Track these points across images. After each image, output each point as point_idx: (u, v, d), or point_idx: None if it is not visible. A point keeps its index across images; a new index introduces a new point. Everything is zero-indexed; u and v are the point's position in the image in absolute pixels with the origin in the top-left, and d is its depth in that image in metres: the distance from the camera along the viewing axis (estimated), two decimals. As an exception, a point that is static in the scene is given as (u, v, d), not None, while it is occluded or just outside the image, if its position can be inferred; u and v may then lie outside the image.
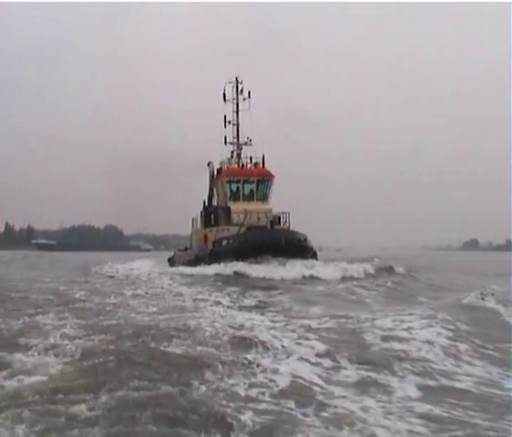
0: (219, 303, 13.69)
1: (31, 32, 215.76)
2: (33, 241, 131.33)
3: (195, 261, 27.97)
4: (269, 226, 29.53)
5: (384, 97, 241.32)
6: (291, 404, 5.56)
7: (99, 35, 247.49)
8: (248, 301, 14.46)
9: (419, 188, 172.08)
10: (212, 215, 32.99)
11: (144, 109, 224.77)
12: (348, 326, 9.92)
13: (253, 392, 5.86)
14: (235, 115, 35.84)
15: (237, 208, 30.88)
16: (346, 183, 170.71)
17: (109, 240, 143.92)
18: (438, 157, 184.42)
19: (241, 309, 12.80)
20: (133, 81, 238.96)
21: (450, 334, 8.92)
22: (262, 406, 5.47)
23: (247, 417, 5.10)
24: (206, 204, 35.00)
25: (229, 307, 13.08)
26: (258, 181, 32.15)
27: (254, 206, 31.31)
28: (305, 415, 5.30)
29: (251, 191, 32.17)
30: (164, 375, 6.21)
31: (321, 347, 7.95)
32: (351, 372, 6.84)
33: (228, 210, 30.77)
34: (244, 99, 35.71)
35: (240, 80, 35.99)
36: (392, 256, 50.78)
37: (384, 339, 8.58)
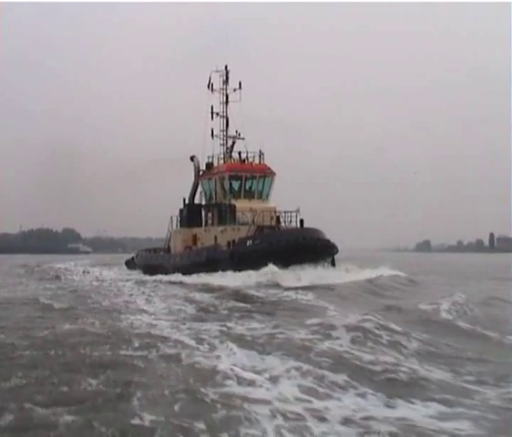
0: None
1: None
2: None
3: (206, 265, 24.99)
4: (277, 225, 28.27)
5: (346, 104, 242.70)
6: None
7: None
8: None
9: (378, 191, 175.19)
10: (210, 213, 30.25)
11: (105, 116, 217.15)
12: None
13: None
14: (223, 106, 33.33)
15: (241, 206, 28.49)
16: (306, 183, 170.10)
17: (65, 244, 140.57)
18: (401, 160, 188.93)
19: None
20: (91, 83, 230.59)
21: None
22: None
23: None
24: (188, 202, 32.21)
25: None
26: (260, 178, 29.87)
27: (257, 204, 29.15)
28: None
29: (253, 188, 29.85)
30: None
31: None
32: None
33: (233, 208, 28.20)
34: (235, 90, 33.39)
35: (228, 69, 33.68)
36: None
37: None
